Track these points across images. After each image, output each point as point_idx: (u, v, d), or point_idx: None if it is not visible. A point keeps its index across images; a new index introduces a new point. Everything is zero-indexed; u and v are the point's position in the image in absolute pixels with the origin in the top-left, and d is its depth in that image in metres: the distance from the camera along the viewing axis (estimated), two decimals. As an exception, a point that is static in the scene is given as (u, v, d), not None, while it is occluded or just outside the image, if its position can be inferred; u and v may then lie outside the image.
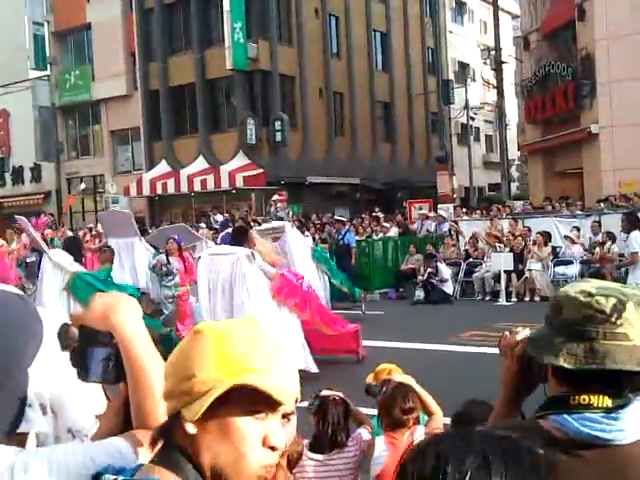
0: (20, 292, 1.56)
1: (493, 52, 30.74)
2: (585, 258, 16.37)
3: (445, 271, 16.84)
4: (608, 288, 1.60)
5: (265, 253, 9.53)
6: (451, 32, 43.85)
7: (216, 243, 16.09)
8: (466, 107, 37.55)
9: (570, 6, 25.50)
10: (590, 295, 1.57)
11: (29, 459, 1.33)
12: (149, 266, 12.18)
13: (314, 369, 9.09)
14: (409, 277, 17.73)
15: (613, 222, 17.14)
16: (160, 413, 1.47)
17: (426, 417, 4.03)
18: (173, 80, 32.63)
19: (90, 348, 1.56)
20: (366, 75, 36.10)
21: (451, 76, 40.34)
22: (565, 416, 1.55)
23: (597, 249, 16.17)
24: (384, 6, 37.59)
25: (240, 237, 9.74)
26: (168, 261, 11.61)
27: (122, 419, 1.59)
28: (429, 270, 16.71)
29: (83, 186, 31.29)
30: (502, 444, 1.14)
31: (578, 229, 17.32)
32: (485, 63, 34.93)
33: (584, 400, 1.55)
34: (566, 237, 17.07)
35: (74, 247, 11.20)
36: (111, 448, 1.40)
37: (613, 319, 1.54)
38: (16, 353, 1.33)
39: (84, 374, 1.56)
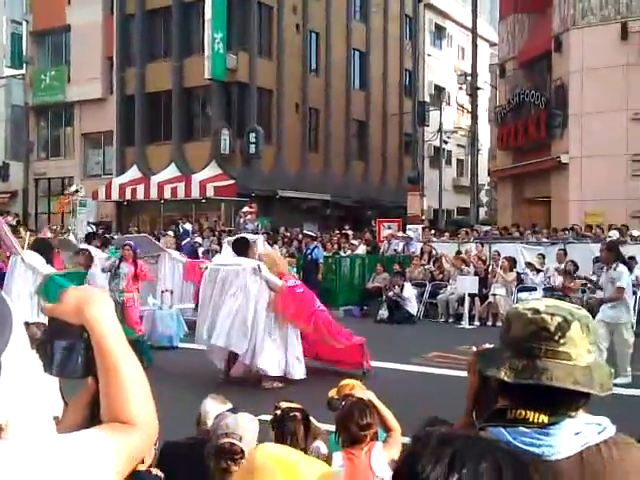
0: None
1: (469, 78, 31.11)
2: (548, 285, 16.55)
3: (408, 290, 16.86)
4: (558, 307, 1.64)
5: (272, 264, 9.55)
6: (429, 55, 44.33)
7: (180, 252, 16.11)
8: (440, 130, 37.92)
9: (547, 37, 25.94)
10: (537, 312, 1.61)
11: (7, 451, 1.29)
12: (101, 268, 12.30)
13: (298, 376, 9.42)
14: (374, 295, 17.79)
15: (578, 251, 17.44)
16: (131, 408, 1.47)
17: (385, 434, 4.05)
18: (150, 86, 32.53)
19: (58, 341, 1.52)
20: (343, 93, 36.29)
21: (427, 99, 40.73)
22: (501, 429, 1.59)
23: (561, 277, 16.40)
24: (364, 26, 37.89)
25: (242, 248, 9.71)
26: (119, 266, 11.75)
27: (89, 413, 1.59)
28: (396, 289, 16.75)
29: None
30: (511, 458, 1.18)
31: (543, 256, 17.54)
32: (461, 88, 35.33)
33: (520, 414, 1.59)
34: (528, 264, 17.25)
35: (45, 248, 11.13)
36: (88, 447, 1.37)
37: (556, 337, 1.58)
38: None
39: (51, 367, 1.53)
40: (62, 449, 1.33)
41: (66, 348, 1.53)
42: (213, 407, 4.01)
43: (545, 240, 19.35)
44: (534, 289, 16.48)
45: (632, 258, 16.44)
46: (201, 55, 30.02)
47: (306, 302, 9.67)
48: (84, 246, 13.90)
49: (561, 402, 1.58)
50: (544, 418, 1.57)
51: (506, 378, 1.59)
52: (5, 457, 1.26)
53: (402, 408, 4.45)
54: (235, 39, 30.67)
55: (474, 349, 1.94)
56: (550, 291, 16.28)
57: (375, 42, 38.42)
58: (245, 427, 3.48)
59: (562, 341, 1.58)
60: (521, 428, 1.57)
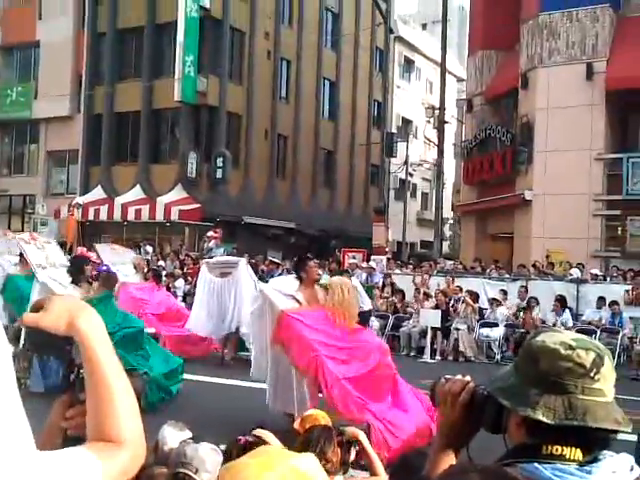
0: None
1: (437, 111, 31.44)
2: (509, 322, 16.61)
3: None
4: (586, 341, 1.59)
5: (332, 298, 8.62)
6: (398, 87, 44.81)
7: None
8: (406, 163, 38.22)
9: (515, 74, 26.33)
10: (571, 348, 1.55)
11: None
12: None
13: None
14: (337, 325, 17.64)
15: (539, 288, 17.59)
16: (119, 425, 1.38)
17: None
18: (118, 106, 32.33)
19: (39, 355, 1.44)
20: (312, 121, 36.48)
21: (394, 130, 41.06)
22: (536, 465, 1.51)
23: (522, 313, 16.49)
24: (335, 55, 38.23)
25: (297, 265, 9.34)
26: None
27: (65, 433, 1.51)
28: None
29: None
30: None
31: (505, 292, 17.63)
32: (428, 121, 35.71)
33: (557, 451, 1.52)
34: (492, 300, 17.30)
35: (77, 268, 10.20)
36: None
37: (592, 374, 1.53)
38: None
39: (33, 381, 1.46)
40: (46, 467, 1.24)
41: (49, 362, 1.45)
42: (171, 434, 3.90)
43: (507, 276, 19.48)
44: (495, 325, 16.53)
45: (601, 298, 16.72)
46: (171, 77, 29.94)
47: (304, 341, 8.01)
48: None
49: (595, 440, 1.53)
50: (579, 455, 1.52)
51: (546, 419, 1.50)
52: None
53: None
54: (206, 62, 30.69)
55: (443, 380, 1.82)
56: (511, 327, 16.37)
57: (345, 72, 38.74)
58: (204, 458, 3.37)
59: (597, 377, 1.53)
60: (559, 465, 1.50)
